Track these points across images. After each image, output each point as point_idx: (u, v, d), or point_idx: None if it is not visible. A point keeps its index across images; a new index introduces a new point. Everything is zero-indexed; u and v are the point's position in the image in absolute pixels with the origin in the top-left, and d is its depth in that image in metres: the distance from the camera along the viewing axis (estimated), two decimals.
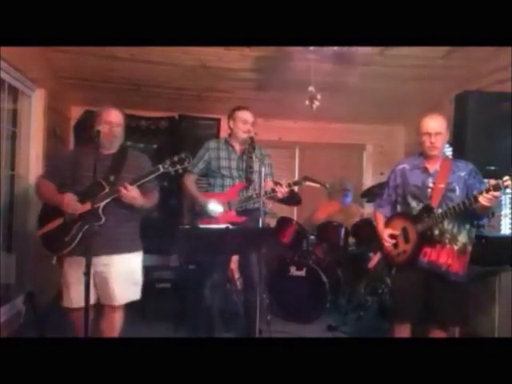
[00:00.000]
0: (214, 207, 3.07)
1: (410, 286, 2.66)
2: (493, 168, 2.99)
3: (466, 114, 3.23)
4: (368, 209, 4.99)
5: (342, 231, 4.55)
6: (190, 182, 3.24)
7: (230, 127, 3.27)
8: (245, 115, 3.19)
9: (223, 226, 2.54)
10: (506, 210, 3.99)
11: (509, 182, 2.22)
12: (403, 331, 2.72)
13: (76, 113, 5.06)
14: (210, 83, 4.56)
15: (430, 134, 2.61)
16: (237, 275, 3.73)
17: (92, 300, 2.45)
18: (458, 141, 3.25)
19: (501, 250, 3.03)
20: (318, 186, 3.21)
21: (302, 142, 5.77)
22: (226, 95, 4.75)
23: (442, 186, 2.60)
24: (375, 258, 3.92)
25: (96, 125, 2.60)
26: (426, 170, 2.67)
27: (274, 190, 3.02)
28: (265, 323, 3.31)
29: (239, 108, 3.23)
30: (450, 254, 2.60)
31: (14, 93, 3.70)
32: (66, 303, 2.61)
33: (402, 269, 2.72)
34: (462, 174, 2.62)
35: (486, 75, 3.92)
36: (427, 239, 2.60)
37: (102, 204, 2.52)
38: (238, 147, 3.23)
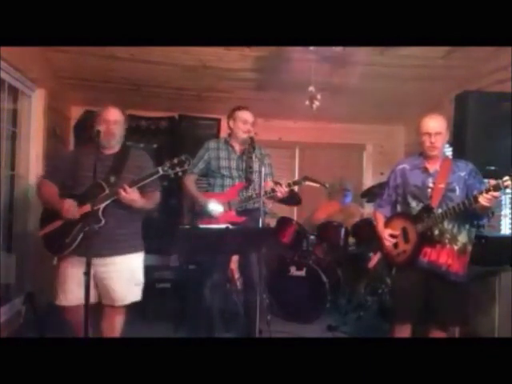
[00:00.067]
0: (214, 207, 3.07)
1: (409, 286, 2.66)
2: (493, 168, 2.99)
3: (466, 114, 3.23)
4: (368, 209, 4.99)
5: (342, 231, 4.55)
6: (190, 182, 3.24)
7: (229, 127, 3.27)
8: (245, 115, 3.19)
9: (223, 226, 2.54)
10: (505, 210, 3.99)
11: (509, 182, 2.23)
12: (403, 331, 2.72)
13: (76, 113, 5.06)
14: (209, 83, 4.56)
15: (430, 134, 2.61)
16: (237, 275, 3.73)
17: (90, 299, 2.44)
18: (458, 141, 3.25)
19: (501, 249, 3.03)
20: (317, 185, 3.21)
21: (302, 142, 5.77)
22: (226, 95, 4.75)
23: (442, 186, 2.60)
24: (375, 258, 3.92)
25: (96, 125, 2.60)
26: (426, 170, 2.68)
27: (273, 190, 3.02)
28: (265, 323, 3.32)
29: (239, 108, 3.23)
30: (449, 254, 2.60)
31: (14, 93, 3.70)
32: (60, 301, 2.58)
33: (401, 269, 2.72)
34: (462, 174, 2.62)
35: (485, 75, 3.92)
36: (427, 239, 2.60)
37: (102, 206, 2.51)
38: (237, 147, 3.23)
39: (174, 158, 2.55)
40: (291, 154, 5.83)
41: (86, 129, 3.93)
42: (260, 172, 2.78)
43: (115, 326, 2.69)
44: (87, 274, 2.21)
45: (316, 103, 3.54)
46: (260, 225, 2.74)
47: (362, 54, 3.81)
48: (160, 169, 2.54)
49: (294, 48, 3.63)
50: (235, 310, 3.74)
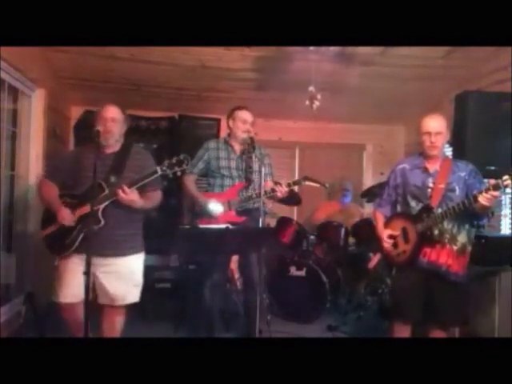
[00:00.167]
0: (214, 207, 3.07)
1: (410, 286, 2.66)
2: (493, 168, 2.99)
3: (466, 114, 3.23)
4: (368, 209, 4.99)
5: (342, 231, 4.55)
6: (190, 182, 3.24)
7: (229, 127, 3.27)
8: (244, 115, 3.19)
9: (223, 226, 2.54)
10: (506, 210, 3.99)
11: (508, 182, 2.23)
12: (403, 331, 2.72)
13: (76, 113, 5.05)
14: (209, 83, 4.56)
15: (430, 134, 2.61)
16: (237, 275, 3.73)
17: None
18: (458, 141, 3.25)
19: (501, 249, 3.03)
20: (317, 185, 3.22)
21: (302, 142, 5.76)
22: (226, 95, 4.74)
23: (442, 186, 2.60)
24: (375, 258, 3.93)
25: (95, 124, 2.58)
26: (426, 170, 2.68)
27: (273, 190, 3.02)
28: (265, 323, 3.31)
29: (239, 108, 3.24)
30: (449, 254, 2.60)
31: (14, 93, 3.70)
32: (58, 298, 2.56)
33: (401, 269, 2.72)
34: (462, 174, 2.62)
35: (485, 75, 3.92)
36: (427, 239, 2.60)
37: (102, 206, 2.50)
38: (237, 147, 3.23)
39: (173, 158, 2.54)
40: (291, 154, 5.82)
41: (86, 129, 3.93)
42: (260, 172, 2.78)
43: (115, 326, 2.69)
44: (87, 273, 2.21)
45: (316, 103, 3.54)
46: (260, 225, 2.74)
47: (362, 54, 3.81)
48: (158, 168, 2.53)
49: (293, 48, 3.63)
50: (235, 309, 3.74)
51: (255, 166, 3.14)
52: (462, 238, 2.62)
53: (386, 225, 2.78)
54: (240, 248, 2.82)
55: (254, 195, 3.09)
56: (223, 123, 4.25)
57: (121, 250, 2.61)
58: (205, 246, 2.66)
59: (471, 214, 2.52)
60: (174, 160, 2.53)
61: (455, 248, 2.60)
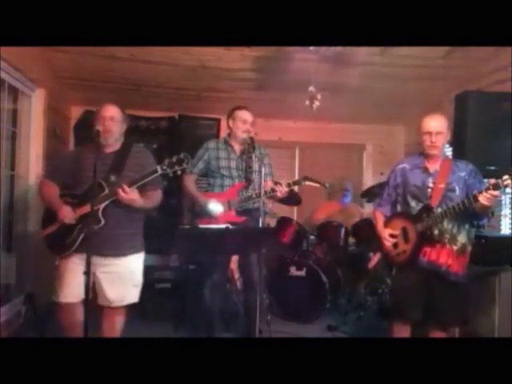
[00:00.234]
0: (214, 207, 3.07)
1: (410, 285, 2.66)
2: (493, 168, 2.99)
3: (466, 114, 3.23)
4: (368, 209, 4.99)
5: (342, 231, 4.55)
6: (190, 182, 3.24)
7: (229, 127, 3.27)
8: (244, 115, 3.19)
9: (223, 226, 2.54)
10: (506, 210, 3.99)
11: (508, 182, 2.23)
12: (403, 331, 2.72)
13: (76, 113, 5.05)
14: (209, 83, 4.56)
15: (430, 133, 2.61)
16: (237, 275, 3.73)
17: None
18: (458, 141, 3.25)
19: (501, 249, 3.03)
20: (317, 185, 3.22)
21: (302, 142, 5.76)
22: (226, 95, 4.74)
23: (442, 185, 2.60)
24: (375, 258, 3.92)
25: (95, 124, 2.58)
26: (426, 170, 2.68)
27: (273, 190, 3.02)
28: (265, 323, 3.31)
29: (238, 108, 3.24)
30: (449, 254, 2.60)
31: (14, 93, 3.70)
32: (58, 297, 2.56)
33: (402, 269, 2.72)
34: (462, 174, 2.62)
35: (485, 75, 3.92)
36: (427, 239, 2.60)
37: (102, 206, 2.50)
38: (237, 147, 3.23)
39: (173, 157, 2.53)
40: (291, 154, 5.82)
41: (86, 129, 3.93)
42: (260, 172, 2.78)
43: (115, 327, 2.69)
44: (87, 273, 2.21)
45: (316, 103, 3.53)
46: (260, 225, 2.74)
47: (362, 54, 3.81)
48: (159, 167, 2.52)
49: (294, 48, 3.63)
50: (235, 309, 3.74)
51: (255, 166, 3.14)
52: (462, 238, 2.62)
53: (386, 224, 2.78)
54: (240, 248, 2.82)
55: (254, 195, 3.09)
56: (223, 123, 4.26)
57: (121, 249, 2.60)
58: (205, 246, 2.66)
59: (471, 213, 2.53)
60: (175, 159, 2.52)
61: (455, 248, 2.61)
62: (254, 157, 3.12)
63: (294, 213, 5.52)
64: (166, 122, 5.23)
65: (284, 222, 4.54)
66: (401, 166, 2.79)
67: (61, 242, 2.54)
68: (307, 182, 3.16)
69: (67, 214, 2.50)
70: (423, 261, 2.62)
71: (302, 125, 5.56)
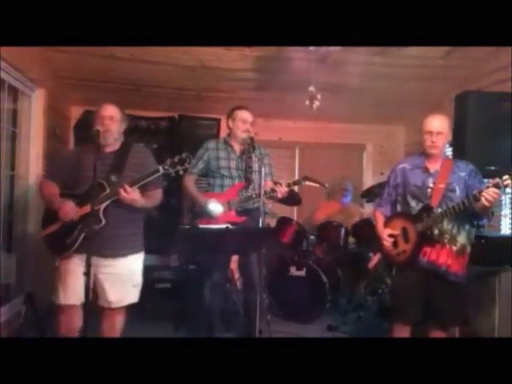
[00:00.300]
0: (214, 207, 3.07)
1: (410, 285, 2.66)
2: (493, 168, 2.99)
3: (466, 114, 3.23)
4: (368, 209, 4.99)
5: (342, 231, 4.55)
6: (190, 182, 3.24)
7: (229, 127, 3.27)
8: (244, 115, 3.19)
9: (223, 226, 2.53)
10: (506, 210, 3.99)
11: (508, 181, 2.23)
12: (403, 331, 2.72)
13: (76, 113, 5.05)
14: (209, 83, 4.56)
15: (431, 133, 2.61)
16: (237, 275, 3.73)
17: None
18: (458, 141, 3.25)
19: (501, 249, 3.03)
20: (317, 185, 3.22)
21: (302, 142, 5.76)
22: (226, 95, 4.74)
23: (442, 186, 2.60)
24: (375, 258, 3.93)
25: (95, 124, 2.58)
26: (426, 170, 2.68)
27: (273, 190, 3.02)
28: (265, 323, 3.31)
29: (238, 107, 3.24)
30: (449, 255, 2.60)
31: (14, 93, 3.70)
32: (59, 300, 2.55)
33: (402, 269, 2.72)
34: (463, 174, 2.63)
35: (485, 75, 3.92)
36: (427, 239, 2.60)
37: (103, 206, 2.49)
38: (237, 147, 3.23)
39: (175, 157, 2.52)
40: (291, 154, 5.82)
41: (86, 129, 3.93)
42: (260, 172, 2.78)
43: (115, 327, 2.68)
44: (87, 274, 2.20)
45: (316, 103, 3.53)
46: (260, 225, 2.74)
47: (362, 54, 3.81)
48: (161, 167, 2.51)
49: (293, 48, 3.63)
50: (235, 309, 3.74)
51: (255, 166, 3.14)
52: (462, 238, 2.62)
53: (386, 224, 2.78)
54: (240, 248, 2.82)
55: (254, 195, 3.08)
56: (223, 123, 4.25)
57: (121, 249, 2.60)
58: (205, 246, 2.66)
59: (471, 214, 2.53)
60: (177, 159, 2.51)
61: (455, 248, 2.61)
62: (253, 157, 3.13)
63: (294, 213, 5.52)
64: (166, 122, 5.24)
65: (284, 221, 4.55)
66: (401, 165, 2.79)
67: (61, 242, 2.53)
68: (307, 182, 3.16)
69: (70, 210, 2.49)
70: (423, 261, 2.62)
71: (302, 125, 5.56)
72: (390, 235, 2.72)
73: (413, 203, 2.67)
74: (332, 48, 3.44)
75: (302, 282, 4.22)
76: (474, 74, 4.08)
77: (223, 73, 4.30)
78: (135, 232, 2.70)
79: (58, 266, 2.59)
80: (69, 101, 4.95)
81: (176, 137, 5.16)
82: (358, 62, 3.97)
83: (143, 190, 2.57)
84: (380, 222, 2.83)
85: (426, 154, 2.69)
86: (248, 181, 3.16)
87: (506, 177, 2.24)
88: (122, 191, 2.45)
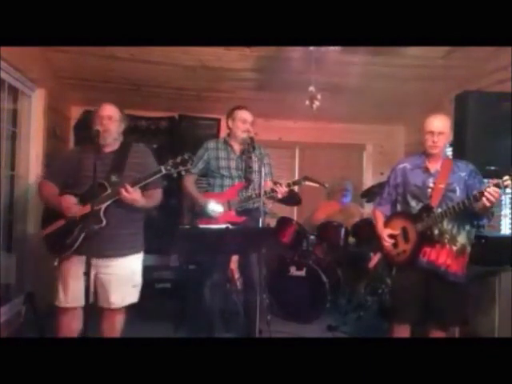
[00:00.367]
0: (214, 207, 3.07)
1: (410, 285, 2.66)
2: (493, 168, 2.99)
3: (466, 114, 3.23)
4: (368, 209, 4.98)
5: (342, 231, 4.55)
6: (190, 182, 3.23)
7: (228, 127, 3.27)
8: (244, 114, 3.19)
9: (223, 226, 2.54)
10: (506, 210, 3.99)
11: (509, 182, 2.23)
12: (403, 331, 2.72)
13: (76, 113, 5.06)
14: (209, 83, 4.56)
15: (432, 133, 2.61)
16: (237, 275, 3.73)
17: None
18: (458, 141, 3.25)
19: (501, 249, 3.03)
20: (317, 185, 3.22)
21: (302, 142, 5.76)
22: (226, 95, 4.74)
23: (443, 186, 2.60)
24: (375, 258, 3.92)
25: (94, 124, 2.58)
26: (426, 170, 2.68)
27: (273, 190, 3.02)
28: (265, 323, 3.31)
29: (238, 107, 3.24)
30: (449, 255, 2.60)
31: (14, 93, 3.70)
32: (60, 302, 2.54)
33: (402, 269, 2.72)
34: (463, 174, 2.63)
35: (485, 75, 3.92)
36: (427, 239, 2.60)
37: (103, 206, 2.48)
38: (236, 147, 3.23)
39: (177, 157, 2.51)
40: (291, 154, 5.82)
41: (86, 129, 3.93)
42: (260, 172, 2.78)
43: (115, 327, 2.68)
44: (87, 274, 2.20)
45: (316, 103, 3.54)
46: (260, 225, 2.74)
47: (362, 54, 3.81)
48: (162, 168, 2.51)
49: (293, 48, 3.63)
50: (235, 309, 3.74)
51: (255, 166, 3.14)
52: (462, 238, 2.62)
53: (386, 224, 2.78)
54: (240, 248, 2.82)
55: (254, 195, 3.08)
56: (223, 123, 4.25)
57: (122, 249, 2.59)
58: (205, 246, 2.66)
59: (471, 214, 2.53)
60: (179, 159, 2.51)
61: (455, 248, 2.61)
62: (253, 157, 3.13)
63: (294, 213, 5.52)
64: (166, 122, 5.24)
65: (284, 221, 4.55)
66: (401, 165, 2.79)
67: (61, 242, 2.53)
68: (307, 182, 3.16)
69: (71, 205, 2.48)
70: (423, 261, 2.62)
71: (302, 125, 5.56)
72: (390, 235, 2.72)
73: (413, 203, 2.68)
74: (332, 48, 3.44)
75: (301, 282, 4.22)
76: (474, 74, 4.08)
77: (223, 73, 4.30)
78: (135, 232, 2.70)
79: (57, 266, 2.59)
80: (69, 101, 4.95)
81: (176, 137, 5.16)
82: (358, 62, 3.97)
83: (143, 189, 2.57)
84: (380, 221, 2.83)
85: (426, 154, 2.70)
86: (248, 181, 3.16)
87: (506, 177, 2.24)
88: (123, 191, 2.45)
